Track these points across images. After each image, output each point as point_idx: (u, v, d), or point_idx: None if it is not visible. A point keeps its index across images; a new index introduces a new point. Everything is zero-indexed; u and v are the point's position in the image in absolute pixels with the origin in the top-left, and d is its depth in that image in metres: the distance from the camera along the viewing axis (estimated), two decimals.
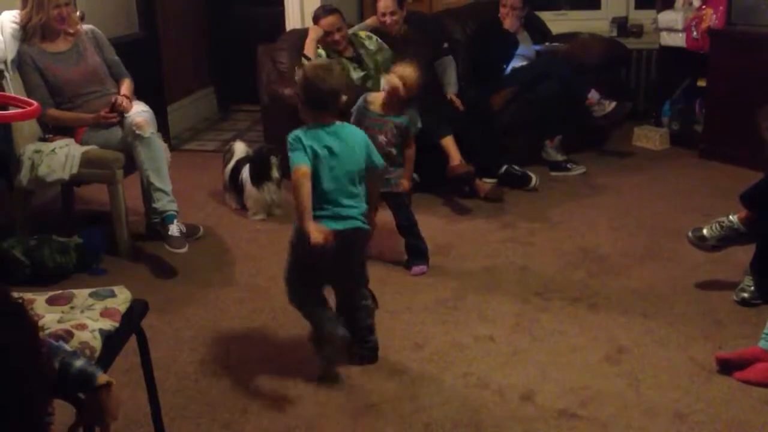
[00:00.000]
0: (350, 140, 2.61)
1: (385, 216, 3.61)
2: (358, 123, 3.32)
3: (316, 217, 2.51)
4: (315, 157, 2.54)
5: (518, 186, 4.49)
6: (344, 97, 2.67)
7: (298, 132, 2.60)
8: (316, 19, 4.47)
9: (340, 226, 2.54)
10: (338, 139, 2.59)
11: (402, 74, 3.30)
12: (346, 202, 2.58)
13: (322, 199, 2.55)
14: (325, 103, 2.58)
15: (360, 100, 3.44)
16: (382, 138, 3.35)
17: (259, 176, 4.15)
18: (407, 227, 3.53)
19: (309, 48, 4.36)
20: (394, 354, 2.85)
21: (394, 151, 3.39)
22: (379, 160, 2.71)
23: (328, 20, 4.40)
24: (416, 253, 3.52)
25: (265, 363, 2.82)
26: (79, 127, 3.74)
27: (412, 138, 3.43)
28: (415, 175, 3.54)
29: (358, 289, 2.79)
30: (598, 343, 2.87)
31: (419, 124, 3.43)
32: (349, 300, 2.78)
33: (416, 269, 3.48)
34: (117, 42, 4.22)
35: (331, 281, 2.75)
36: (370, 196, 2.71)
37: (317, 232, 2.44)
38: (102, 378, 1.69)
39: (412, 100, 3.37)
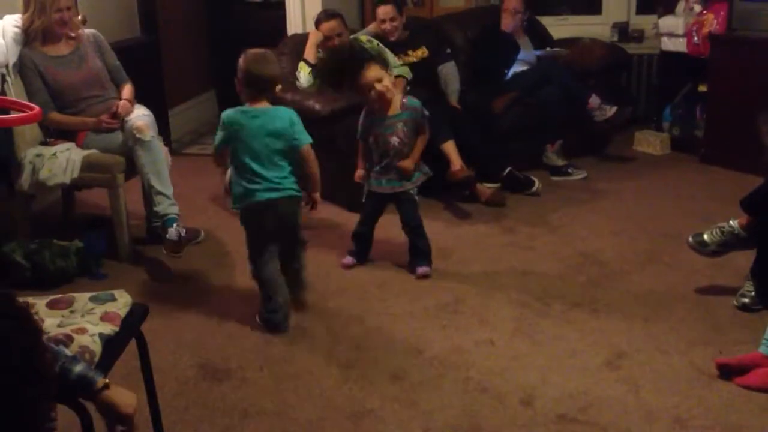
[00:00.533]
0: (277, 121, 2.97)
1: (384, 221, 3.62)
2: (368, 132, 3.45)
3: (252, 190, 2.95)
4: (240, 137, 2.95)
5: (520, 190, 4.49)
6: (279, 86, 3.06)
7: (230, 113, 2.99)
8: (317, 23, 4.47)
9: (275, 195, 2.95)
10: (266, 120, 2.96)
11: (375, 75, 3.34)
12: (274, 175, 2.96)
13: (254, 173, 2.94)
14: (259, 87, 2.97)
15: (362, 115, 3.51)
16: (394, 139, 3.40)
17: None
18: (414, 227, 3.53)
19: (309, 52, 4.37)
20: (394, 358, 2.85)
21: (406, 150, 3.43)
22: (304, 139, 3.01)
23: (329, 25, 4.41)
24: (420, 254, 3.53)
25: (265, 367, 2.82)
26: (81, 131, 3.75)
27: (424, 125, 3.47)
28: (427, 168, 3.55)
29: (298, 251, 3.19)
30: (598, 348, 2.87)
31: (426, 112, 3.46)
32: (290, 262, 3.18)
33: (421, 270, 3.49)
34: (118, 46, 4.23)
35: (278, 247, 3.09)
36: (311, 176, 3.08)
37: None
38: (101, 382, 1.70)
39: (404, 92, 3.48)
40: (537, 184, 4.46)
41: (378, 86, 3.33)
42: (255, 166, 2.94)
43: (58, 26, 3.70)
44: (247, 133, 2.94)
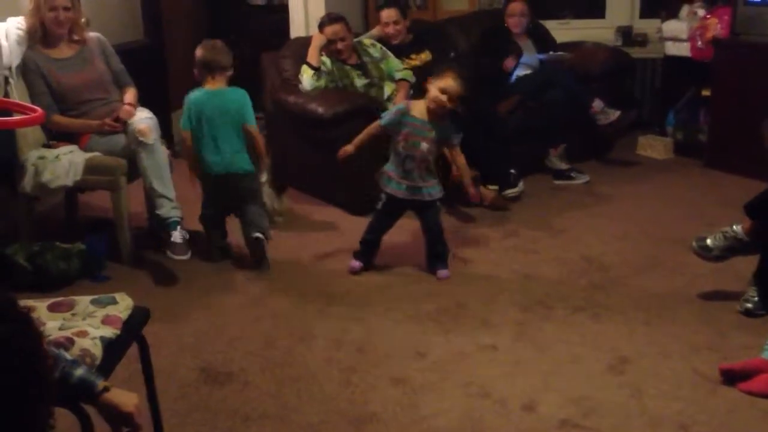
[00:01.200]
0: (229, 101, 3.59)
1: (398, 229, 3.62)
2: (395, 126, 3.45)
3: (212, 162, 3.59)
4: (199, 118, 3.55)
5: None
6: (229, 72, 3.64)
7: (190, 96, 3.60)
8: (321, 27, 4.47)
9: (228, 169, 3.59)
10: (221, 100, 3.57)
11: (445, 86, 3.37)
12: (228, 149, 3.57)
13: (214, 147, 3.56)
14: (210, 70, 3.59)
15: (401, 105, 3.56)
16: (424, 145, 3.41)
17: None
18: (436, 233, 3.55)
19: (312, 55, 4.36)
20: (396, 362, 2.84)
21: (431, 159, 3.46)
22: (251, 118, 3.64)
23: (333, 28, 4.40)
24: (440, 257, 3.55)
25: (266, 370, 2.81)
26: (83, 133, 3.75)
27: (456, 147, 3.57)
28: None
29: (255, 220, 3.64)
30: (601, 352, 2.86)
31: (460, 133, 3.56)
32: (248, 229, 3.65)
33: (442, 273, 3.51)
34: (122, 48, 4.23)
35: (231, 208, 3.74)
36: (257, 152, 3.67)
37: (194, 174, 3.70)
38: (101, 385, 1.70)
39: (455, 112, 3.50)
40: (518, 188, 4.43)
41: (442, 97, 3.39)
42: (213, 141, 3.55)
43: (54, 25, 3.70)
44: (209, 111, 3.54)
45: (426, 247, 3.59)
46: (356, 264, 3.59)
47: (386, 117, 3.52)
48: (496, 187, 4.46)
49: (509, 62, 4.84)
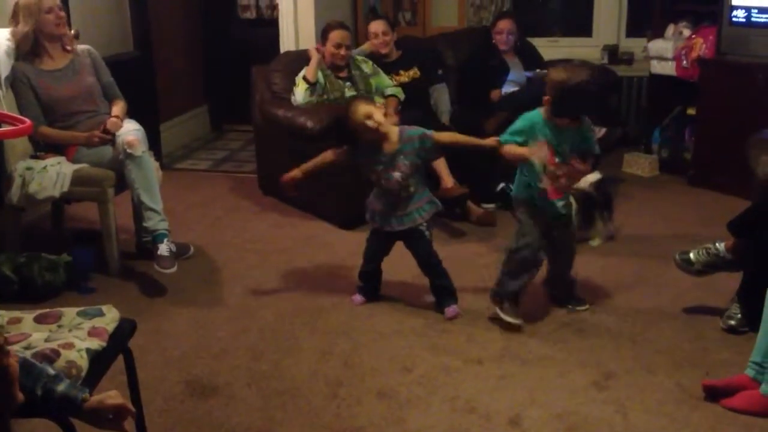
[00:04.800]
0: None
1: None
2: (367, 169, 3.22)
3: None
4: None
5: (512, 208, 4.50)
6: None
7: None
8: (328, 30, 4.47)
9: None
10: None
11: (363, 114, 3.12)
12: None
13: None
14: None
15: (360, 148, 3.23)
16: (396, 174, 3.15)
17: None
18: (432, 266, 3.33)
19: (310, 71, 4.38)
20: (383, 376, 2.85)
21: (411, 183, 3.18)
22: None
23: (341, 33, 4.45)
24: (445, 293, 3.33)
25: (252, 384, 2.81)
26: (71, 145, 3.74)
27: (432, 150, 3.27)
28: (437, 201, 3.33)
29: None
30: (586, 368, 2.88)
31: (430, 134, 3.20)
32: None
33: (450, 311, 3.28)
34: (111, 61, 4.23)
35: None
36: None
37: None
38: (85, 398, 1.71)
39: (398, 122, 3.35)
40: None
41: (369, 123, 3.11)
42: None
43: (54, 26, 3.69)
44: None
45: (429, 283, 3.38)
46: (358, 298, 3.44)
47: (356, 153, 3.24)
48: (492, 206, 4.48)
49: (495, 94, 4.87)
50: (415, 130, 3.22)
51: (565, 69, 3.01)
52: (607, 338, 3.09)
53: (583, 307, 3.31)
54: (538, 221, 3.12)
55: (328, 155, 3.29)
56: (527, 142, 3.03)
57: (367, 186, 3.35)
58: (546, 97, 2.99)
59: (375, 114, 3.13)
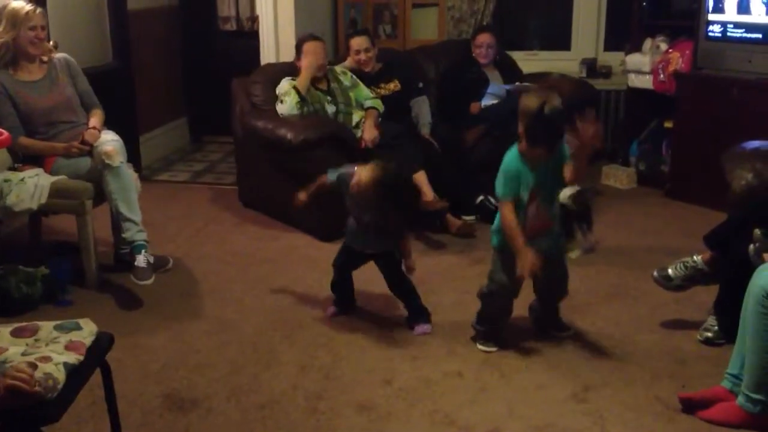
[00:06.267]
0: None
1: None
2: (342, 186, 3.19)
3: None
4: None
5: (491, 220, 4.52)
6: None
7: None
8: (302, 42, 4.49)
9: None
10: None
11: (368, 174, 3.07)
12: None
13: None
14: None
15: (345, 172, 3.19)
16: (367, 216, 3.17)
17: None
18: (402, 290, 3.35)
19: (301, 84, 4.38)
20: (363, 389, 2.84)
21: (384, 214, 3.15)
22: None
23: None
24: (417, 312, 3.33)
25: (231, 397, 2.80)
26: (49, 156, 3.72)
27: (410, 165, 3.32)
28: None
29: None
30: (564, 380, 2.89)
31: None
32: None
33: (419, 329, 3.27)
34: (90, 71, 4.21)
35: None
36: None
37: None
38: None
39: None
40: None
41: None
42: None
43: (30, 45, 3.67)
44: None
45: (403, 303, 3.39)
46: (330, 309, 3.45)
47: (331, 175, 3.25)
48: (473, 218, 4.50)
49: (475, 107, 4.90)
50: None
51: (536, 96, 2.85)
52: (586, 351, 3.11)
53: (565, 333, 3.23)
54: (512, 266, 2.90)
55: (322, 181, 3.32)
56: (519, 188, 2.88)
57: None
58: (520, 130, 2.84)
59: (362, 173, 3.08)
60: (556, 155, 2.89)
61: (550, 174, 2.91)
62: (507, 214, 2.88)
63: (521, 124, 2.82)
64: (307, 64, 4.43)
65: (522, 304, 3.23)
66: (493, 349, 3.10)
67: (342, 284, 3.46)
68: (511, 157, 2.91)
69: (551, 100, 2.79)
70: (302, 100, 4.35)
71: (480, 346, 3.12)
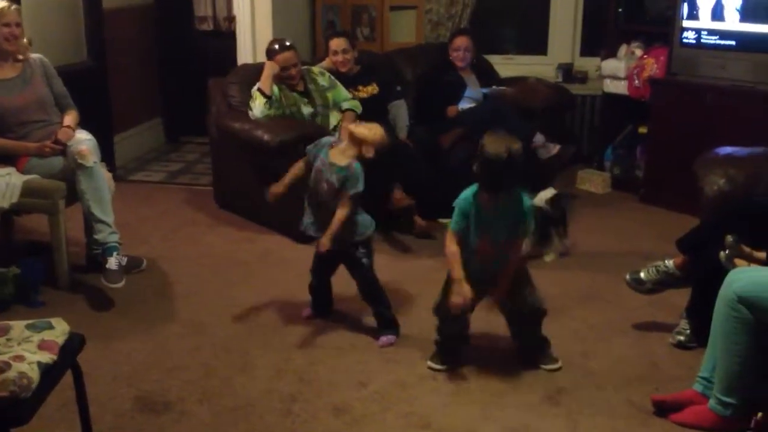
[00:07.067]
0: None
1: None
2: (312, 157, 3.19)
3: None
4: None
5: None
6: None
7: None
8: (271, 54, 4.45)
9: None
10: None
11: (369, 132, 3.11)
12: None
13: None
14: None
15: (328, 139, 3.25)
16: (323, 186, 3.12)
17: None
18: (366, 294, 3.28)
19: (265, 84, 4.35)
20: (337, 392, 2.84)
21: (332, 204, 3.11)
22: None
23: (285, 56, 4.40)
24: (384, 321, 3.27)
25: (204, 400, 2.78)
26: (22, 155, 3.67)
27: (346, 197, 3.07)
28: (369, 222, 3.22)
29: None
30: (538, 383, 2.90)
31: (359, 187, 3.08)
32: None
33: (383, 339, 3.21)
34: (64, 70, 4.17)
35: None
36: None
37: None
38: None
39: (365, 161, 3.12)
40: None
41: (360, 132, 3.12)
42: None
43: (5, 42, 3.64)
44: None
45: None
46: (306, 311, 3.44)
47: (310, 147, 3.23)
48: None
49: (452, 110, 4.92)
50: (360, 171, 3.11)
51: (491, 140, 2.76)
52: (559, 353, 3.11)
53: (552, 366, 3.00)
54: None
55: (300, 165, 3.26)
56: (469, 226, 2.84)
57: None
58: (476, 171, 2.78)
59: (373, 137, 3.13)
60: (514, 208, 2.82)
61: (504, 219, 2.83)
62: (449, 243, 2.86)
63: (477, 167, 2.77)
64: (267, 65, 4.41)
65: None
66: (441, 367, 2.99)
67: (320, 289, 3.43)
68: (468, 194, 2.86)
69: (499, 147, 2.72)
70: (269, 98, 4.33)
71: (429, 362, 3.02)
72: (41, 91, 3.78)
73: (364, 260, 3.23)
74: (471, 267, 2.86)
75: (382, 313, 3.28)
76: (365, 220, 3.22)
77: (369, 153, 3.11)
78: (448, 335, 3.03)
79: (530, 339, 3.04)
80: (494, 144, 2.74)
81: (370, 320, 3.37)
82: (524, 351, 3.07)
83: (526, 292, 2.96)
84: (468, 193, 2.86)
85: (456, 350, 3.06)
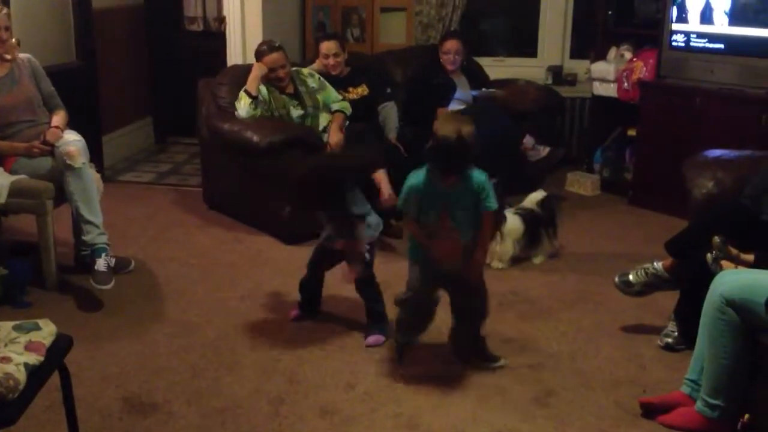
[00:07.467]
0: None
1: None
2: None
3: None
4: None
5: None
6: None
7: None
8: (259, 55, 4.45)
9: None
10: None
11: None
12: None
13: None
14: None
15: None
16: None
17: None
18: (365, 288, 3.25)
19: (252, 85, 4.35)
20: (325, 393, 2.83)
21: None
22: None
23: (273, 57, 4.39)
24: (375, 318, 3.26)
25: (192, 401, 2.77)
26: (10, 156, 3.66)
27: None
28: (376, 222, 3.21)
29: None
30: (526, 385, 2.91)
31: None
32: None
33: (370, 339, 3.21)
34: (53, 70, 4.16)
35: None
36: None
37: None
38: None
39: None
40: None
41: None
42: None
43: None
44: None
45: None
46: (294, 312, 3.43)
47: None
48: None
49: (442, 112, 4.91)
50: None
51: (442, 121, 2.80)
52: (548, 355, 3.13)
53: (498, 363, 3.03)
54: (428, 278, 2.90)
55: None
56: (423, 207, 2.81)
57: None
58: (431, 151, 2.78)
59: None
60: (469, 187, 2.80)
61: (463, 200, 2.82)
62: (409, 226, 2.89)
63: (428, 148, 2.77)
64: (255, 66, 4.41)
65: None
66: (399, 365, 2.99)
67: (312, 283, 3.40)
68: (421, 173, 2.83)
69: (451, 128, 2.72)
70: (254, 99, 4.32)
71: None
72: (29, 91, 3.77)
73: (367, 256, 3.20)
74: (433, 252, 2.83)
75: (375, 309, 3.27)
76: (376, 220, 3.22)
77: None
78: (417, 323, 3.00)
79: (471, 340, 3.03)
80: (445, 126, 2.74)
81: (358, 322, 3.36)
82: (461, 351, 3.06)
83: (480, 298, 2.98)
84: (419, 177, 2.83)
85: (416, 334, 3.03)
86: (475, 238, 2.86)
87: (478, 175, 2.82)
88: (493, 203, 2.83)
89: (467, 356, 3.05)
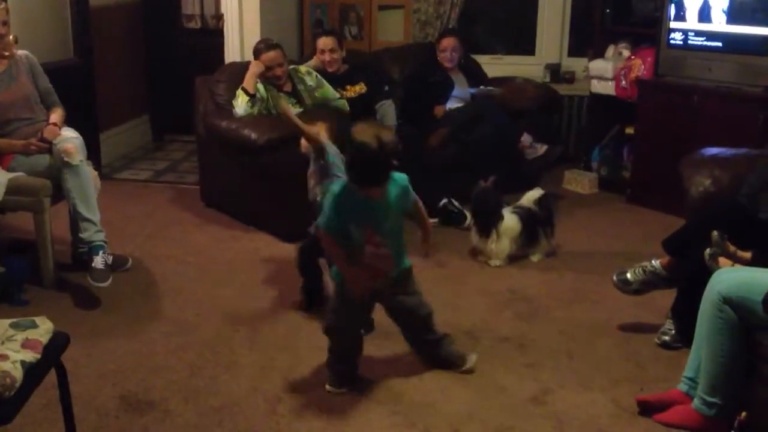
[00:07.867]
0: None
1: None
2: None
3: None
4: None
5: (455, 223, 4.55)
6: None
7: None
8: (257, 54, 4.45)
9: None
10: None
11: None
12: None
13: None
14: None
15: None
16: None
17: None
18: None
19: (249, 83, 4.35)
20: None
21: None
22: None
23: (270, 55, 4.40)
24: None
25: (189, 400, 2.77)
26: (7, 153, 3.65)
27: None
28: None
29: None
30: (524, 383, 2.91)
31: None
32: None
33: None
34: (50, 67, 4.15)
35: None
36: None
37: None
38: None
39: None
40: (469, 218, 4.51)
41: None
42: None
43: None
44: None
45: None
46: (298, 300, 3.47)
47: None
48: (435, 221, 4.51)
49: (439, 110, 4.93)
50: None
51: (360, 129, 2.58)
52: (545, 354, 3.13)
53: (466, 366, 2.96)
54: (350, 300, 2.77)
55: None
56: (346, 224, 2.64)
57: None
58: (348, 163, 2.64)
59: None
60: (393, 194, 2.68)
61: (386, 213, 2.68)
62: (327, 246, 2.74)
63: (347, 159, 2.63)
64: (252, 64, 4.41)
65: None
66: (343, 390, 2.82)
67: (307, 266, 3.40)
68: (336, 189, 2.68)
69: (384, 135, 2.56)
70: (252, 96, 4.32)
71: (329, 387, 2.83)
72: (27, 88, 3.76)
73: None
74: (361, 263, 2.69)
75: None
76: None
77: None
78: (349, 349, 2.88)
79: (425, 343, 2.97)
80: (362, 134, 2.53)
81: None
82: (422, 354, 3.00)
83: (414, 300, 2.88)
84: (341, 192, 2.66)
85: (356, 368, 2.91)
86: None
87: (400, 177, 2.69)
88: (413, 193, 2.72)
89: (430, 363, 2.98)
